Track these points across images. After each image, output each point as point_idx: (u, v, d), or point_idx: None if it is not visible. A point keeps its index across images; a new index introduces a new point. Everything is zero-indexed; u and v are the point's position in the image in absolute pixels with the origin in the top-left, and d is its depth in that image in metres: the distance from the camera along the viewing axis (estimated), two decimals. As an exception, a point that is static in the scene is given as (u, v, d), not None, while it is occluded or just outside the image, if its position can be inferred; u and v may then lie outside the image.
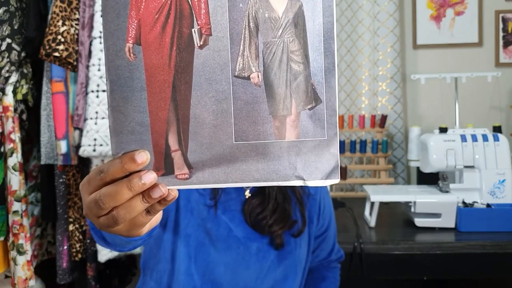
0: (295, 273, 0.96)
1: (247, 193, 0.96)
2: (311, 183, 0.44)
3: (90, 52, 1.48)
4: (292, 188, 0.96)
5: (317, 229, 1.04)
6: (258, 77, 0.44)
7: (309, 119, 0.44)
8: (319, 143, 0.44)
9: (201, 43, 0.43)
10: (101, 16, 0.43)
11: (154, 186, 0.43)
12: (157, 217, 0.52)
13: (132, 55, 0.43)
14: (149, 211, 0.45)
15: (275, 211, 0.93)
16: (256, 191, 0.95)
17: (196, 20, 0.43)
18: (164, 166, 0.44)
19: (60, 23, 1.43)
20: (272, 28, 0.43)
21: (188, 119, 0.44)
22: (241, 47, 0.43)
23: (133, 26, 0.42)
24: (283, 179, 0.44)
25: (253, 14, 0.43)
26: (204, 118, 0.44)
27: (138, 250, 1.57)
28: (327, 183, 0.45)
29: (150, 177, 0.43)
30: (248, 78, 0.43)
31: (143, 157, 0.42)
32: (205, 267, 0.90)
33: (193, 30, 0.43)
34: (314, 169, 0.44)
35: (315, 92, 0.44)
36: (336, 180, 0.44)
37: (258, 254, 0.92)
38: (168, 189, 0.44)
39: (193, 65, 0.43)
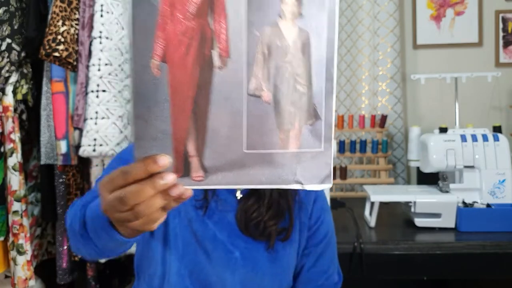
0: (284, 280, 0.95)
1: (238, 194, 0.95)
2: (308, 187, 0.52)
3: (90, 52, 1.48)
4: (285, 192, 0.95)
5: (310, 242, 1.01)
6: (269, 95, 0.50)
7: (309, 133, 0.51)
8: (316, 153, 0.52)
9: (220, 64, 0.49)
10: (131, 34, 0.45)
11: (173, 185, 0.48)
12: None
13: (157, 70, 0.48)
14: (164, 208, 0.51)
15: (270, 207, 0.92)
16: (248, 192, 0.95)
17: (217, 44, 0.48)
18: (183, 168, 0.50)
19: (60, 23, 1.43)
20: (283, 54, 0.49)
21: (205, 130, 0.50)
22: (255, 69, 0.49)
23: (159, 45, 0.47)
24: (285, 183, 0.52)
25: (267, 41, 0.49)
26: (220, 130, 0.50)
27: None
28: (322, 187, 0.52)
29: (171, 178, 0.48)
30: (260, 96, 0.50)
31: (165, 160, 0.47)
32: (192, 267, 0.90)
33: (213, 52, 0.48)
34: (311, 176, 0.52)
35: (315, 110, 0.51)
36: (329, 185, 0.52)
37: (244, 260, 0.91)
38: (185, 188, 0.49)
39: (212, 83, 0.49)
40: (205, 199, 0.93)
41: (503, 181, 1.55)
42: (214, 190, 0.94)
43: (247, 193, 0.95)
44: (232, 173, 0.50)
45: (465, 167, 1.57)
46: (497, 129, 1.78)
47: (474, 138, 1.59)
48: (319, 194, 1.01)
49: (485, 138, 1.59)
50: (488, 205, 1.50)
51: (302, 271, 1.00)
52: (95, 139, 1.42)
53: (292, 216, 0.95)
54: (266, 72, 0.50)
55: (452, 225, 1.50)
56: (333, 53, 0.50)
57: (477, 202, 1.53)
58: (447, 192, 1.56)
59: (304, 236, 0.99)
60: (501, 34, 2.18)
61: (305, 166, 0.52)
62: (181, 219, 0.92)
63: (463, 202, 1.52)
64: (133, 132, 0.48)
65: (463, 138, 1.58)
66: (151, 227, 0.53)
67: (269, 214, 0.92)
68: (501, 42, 2.18)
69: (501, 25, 2.18)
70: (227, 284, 0.90)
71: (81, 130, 1.47)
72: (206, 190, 0.89)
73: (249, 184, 0.51)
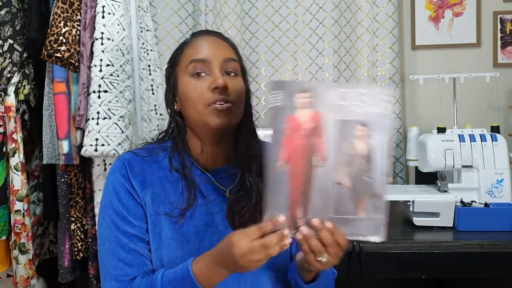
0: (279, 279, 0.96)
1: (228, 194, 0.97)
2: (370, 239, 0.80)
3: (91, 53, 1.49)
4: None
5: None
6: (347, 184, 0.79)
7: (372, 207, 0.79)
8: (375, 219, 0.80)
9: (319, 164, 0.78)
10: (269, 144, 0.80)
11: (286, 236, 0.78)
12: None
13: (281, 169, 0.78)
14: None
15: (257, 202, 0.94)
16: (236, 190, 0.97)
17: (317, 152, 0.78)
18: (293, 226, 0.80)
19: (61, 24, 1.44)
20: (356, 159, 0.78)
21: (308, 202, 0.79)
22: (342, 168, 0.78)
23: (285, 152, 0.78)
24: (354, 235, 0.81)
25: (346, 151, 0.78)
26: (317, 202, 0.79)
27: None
28: (378, 239, 0.80)
29: (287, 232, 0.78)
30: (341, 184, 0.79)
31: (283, 219, 0.77)
32: None
33: (315, 157, 0.78)
34: (370, 231, 0.80)
35: (375, 194, 0.79)
36: (383, 238, 0.80)
37: None
38: (290, 240, 0.78)
39: (313, 176, 0.78)
40: (189, 204, 0.93)
41: (501, 180, 1.57)
42: (203, 194, 0.95)
43: (235, 191, 0.97)
44: None
45: (463, 166, 1.59)
46: (495, 129, 1.80)
47: (472, 138, 1.60)
48: None
49: (483, 138, 1.60)
50: (486, 205, 1.51)
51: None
52: (97, 139, 1.43)
53: None
54: (347, 170, 0.78)
55: (451, 224, 1.51)
56: (388, 159, 0.78)
57: (475, 202, 1.55)
58: (445, 191, 1.57)
59: None
60: (499, 34, 2.19)
61: (368, 225, 0.80)
62: (171, 225, 0.93)
63: (461, 202, 1.53)
64: (265, 205, 0.79)
65: (461, 138, 1.60)
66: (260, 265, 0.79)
67: (258, 209, 0.93)
68: (499, 42, 2.20)
69: (499, 26, 2.19)
70: (221, 286, 0.90)
71: (83, 130, 1.48)
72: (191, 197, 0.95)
73: None
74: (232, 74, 0.95)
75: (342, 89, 0.78)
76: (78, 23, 1.50)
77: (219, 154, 0.99)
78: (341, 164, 0.78)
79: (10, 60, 1.48)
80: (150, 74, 1.77)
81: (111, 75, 1.47)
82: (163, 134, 1.04)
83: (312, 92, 0.78)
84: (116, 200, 0.94)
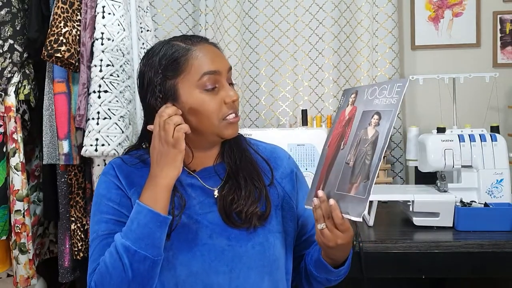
0: (273, 274, 0.97)
1: (216, 193, 0.98)
2: (352, 218, 0.85)
3: (91, 53, 1.49)
4: (258, 178, 1.00)
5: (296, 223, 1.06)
6: (352, 164, 0.88)
7: (362, 187, 0.85)
8: (360, 199, 0.84)
9: (342, 147, 0.92)
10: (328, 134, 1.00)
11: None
12: None
13: (324, 151, 0.97)
14: None
15: (249, 195, 0.96)
16: (224, 186, 0.98)
17: (344, 138, 0.93)
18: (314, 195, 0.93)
19: (62, 24, 1.44)
20: (364, 143, 0.88)
21: (327, 180, 0.92)
22: (352, 150, 0.89)
23: (329, 139, 0.97)
24: (344, 211, 0.86)
25: (360, 137, 0.89)
26: (331, 180, 0.91)
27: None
28: (358, 219, 0.84)
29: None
30: (349, 164, 0.89)
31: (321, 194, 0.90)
32: (175, 283, 0.91)
33: (342, 143, 0.93)
34: (355, 210, 0.85)
35: (369, 175, 0.84)
36: (359, 219, 0.84)
37: (227, 257, 0.93)
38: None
39: (337, 156, 0.93)
40: (178, 211, 0.94)
41: (501, 180, 1.57)
42: (191, 196, 0.97)
43: (223, 187, 0.98)
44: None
45: (463, 166, 1.59)
46: (494, 129, 1.79)
47: (472, 138, 1.60)
48: (295, 173, 1.09)
49: (483, 138, 1.60)
50: (486, 205, 1.51)
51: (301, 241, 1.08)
52: (97, 139, 1.43)
53: (269, 199, 0.99)
54: (355, 152, 0.88)
55: (450, 224, 1.51)
56: (385, 145, 0.84)
57: (475, 202, 1.55)
58: (445, 191, 1.57)
59: (290, 224, 1.03)
60: (499, 35, 2.20)
61: (354, 204, 0.85)
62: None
63: (461, 202, 1.53)
64: (313, 179, 0.96)
65: (461, 138, 1.60)
66: None
67: (250, 201, 0.96)
68: (498, 43, 2.20)
69: (499, 26, 2.19)
70: (215, 284, 0.91)
71: (83, 130, 1.48)
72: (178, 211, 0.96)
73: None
74: (231, 83, 0.98)
75: (374, 87, 0.92)
76: (78, 23, 1.50)
77: (207, 156, 1.01)
78: (353, 147, 0.89)
79: (10, 60, 1.48)
80: (150, 74, 1.77)
81: (111, 75, 1.47)
82: (139, 141, 1.06)
83: (356, 92, 0.95)
84: (108, 196, 0.96)
